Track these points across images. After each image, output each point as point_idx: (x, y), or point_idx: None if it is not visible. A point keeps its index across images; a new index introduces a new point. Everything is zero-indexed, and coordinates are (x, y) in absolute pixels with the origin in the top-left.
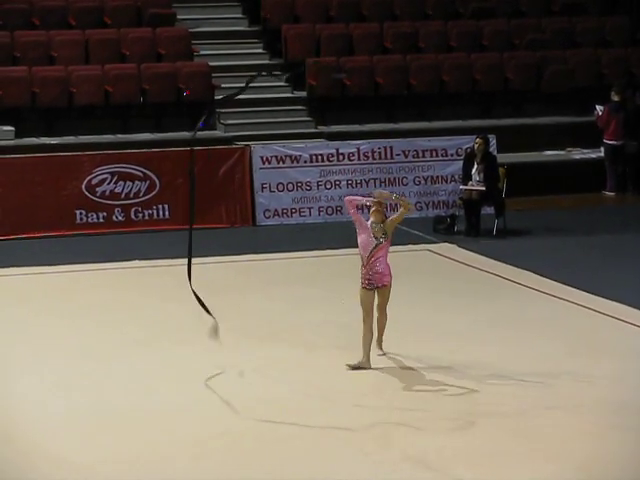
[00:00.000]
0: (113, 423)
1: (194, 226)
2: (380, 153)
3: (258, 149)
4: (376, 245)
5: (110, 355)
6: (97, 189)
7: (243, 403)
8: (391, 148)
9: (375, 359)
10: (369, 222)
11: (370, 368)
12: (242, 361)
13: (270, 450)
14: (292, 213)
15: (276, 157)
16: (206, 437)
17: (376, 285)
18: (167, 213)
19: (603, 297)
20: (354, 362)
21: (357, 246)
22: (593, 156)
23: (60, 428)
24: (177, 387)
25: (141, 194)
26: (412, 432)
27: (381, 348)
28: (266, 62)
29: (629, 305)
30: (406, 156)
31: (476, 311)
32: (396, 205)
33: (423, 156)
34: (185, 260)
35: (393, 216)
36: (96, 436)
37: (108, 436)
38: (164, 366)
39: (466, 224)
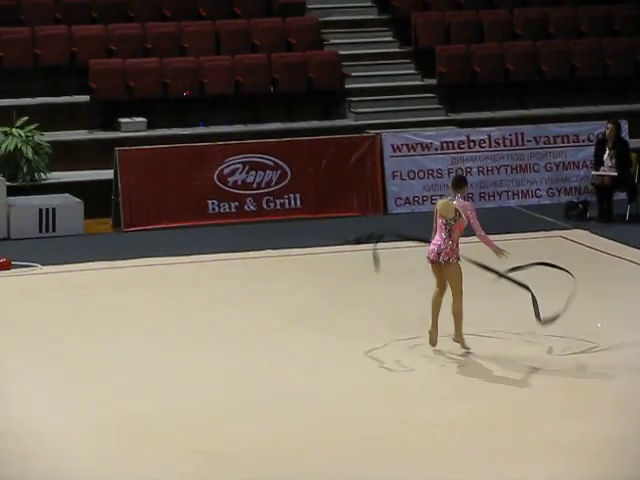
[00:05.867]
0: (252, 410)
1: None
2: (511, 140)
3: (389, 137)
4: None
5: (243, 344)
6: (229, 179)
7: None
8: (522, 134)
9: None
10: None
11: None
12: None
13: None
14: (423, 201)
15: (407, 145)
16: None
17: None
18: (298, 202)
19: None
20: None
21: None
22: None
23: (193, 415)
24: (308, 374)
25: (272, 183)
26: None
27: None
28: (395, 50)
29: None
30: (537, 142)
31: (610, 296)
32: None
33: (554, 142)
34: None
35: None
36: (229, 425)
37: (242, 425)
38: (297, 354)
39: (598, 210)
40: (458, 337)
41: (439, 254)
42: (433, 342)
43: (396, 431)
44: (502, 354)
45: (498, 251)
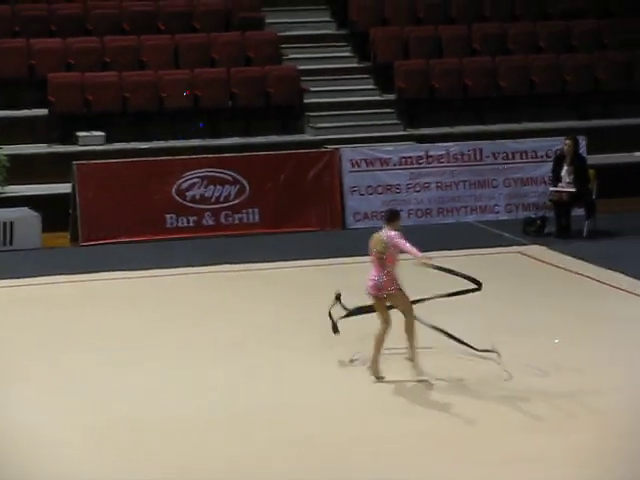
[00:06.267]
0: (212, 422)
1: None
2: (469, 155)
3: (347, 152)
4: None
5: (202, 358)
6: (187, 193)
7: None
8: (480, 150)
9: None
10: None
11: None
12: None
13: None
14: (382, 216)
15: (365, 160)
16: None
17: None
18: (257, 217)
19: None
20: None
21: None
22: None
23: (159, 429)
24: (275, 388)
25: (231, 198)
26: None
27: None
28: (354, 65)
29: None
30: (496, 158)
31: (567, 313)
32: None
33: (513, 158)
34: None
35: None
36: (191, 437)
37: (204, 437)
38: (255, 367)
39: (556, 226)
40: (412, 355)
41: (379, 289)
42: (377, 374)
43: (358, 444)
44: (458, 371)
45: (422, 260)
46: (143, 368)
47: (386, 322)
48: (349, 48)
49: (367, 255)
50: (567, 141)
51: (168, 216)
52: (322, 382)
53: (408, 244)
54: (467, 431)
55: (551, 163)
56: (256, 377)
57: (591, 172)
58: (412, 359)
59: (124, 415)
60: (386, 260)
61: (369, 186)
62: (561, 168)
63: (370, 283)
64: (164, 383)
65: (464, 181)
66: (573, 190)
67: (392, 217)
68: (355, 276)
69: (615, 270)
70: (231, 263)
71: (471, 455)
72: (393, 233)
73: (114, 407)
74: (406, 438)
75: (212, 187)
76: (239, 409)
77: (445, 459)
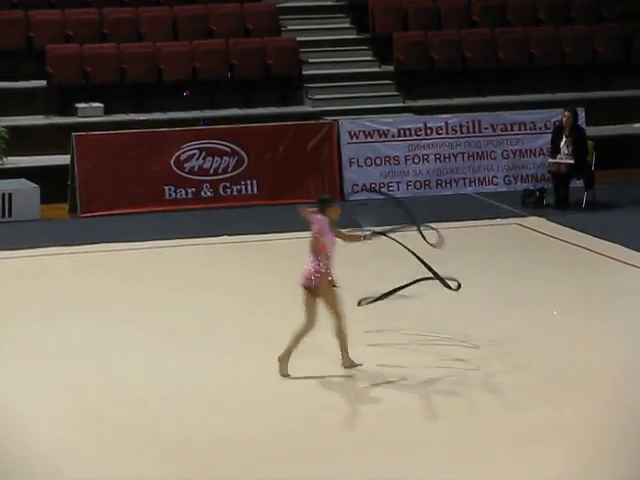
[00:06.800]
0: (208, 398)
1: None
2: (468, 127)
3: (346, 124)
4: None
5: (201, 330)
6: (186, 165)
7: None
8: (479, 122)
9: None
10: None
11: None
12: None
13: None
14: (380, 188)
15: (364, 132)
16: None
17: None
18: (255, 188)
19: None
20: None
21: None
22: None
23: (153, 404)
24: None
25: (229, 169)
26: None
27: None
28: (353, 37)
29: None
30: (494, 130)
31: (565, 284)
32: None
33: (511, 129)
34: None
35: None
36: (184, 414)
37: (200, 413)
38: (259, 339)
39: (555, 197)
40: (345, 360)
41: (310, 280)
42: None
43: (353, 418)
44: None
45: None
46: (136, 341)
47: (311, 321)
48: (348, 19)
49: (364, 226)
50: (566, 113)
51: (167, 188)
52: (314, 356)
53: (339, 232)
54: (459, 405)
55: (550, 135)
56: (249, 350)
57: (590, 144)
58: (347, 365)
59: (117, 391)
60: (317, 250)
61: (367, 158)
62: (560, 140)
63: (304, 272)
64: (154, 356)
65: (463, 153)
66: (572, 162)
67: (321, 205)
68: (352, 248)
69: (614, 242)
70: (229, 235)
71: (460, 430)
72: (315, 221)
73: (107, 382)
74: (391, 413)
75: (211, 159)
76: (226, 384)
77: (439, 432)
